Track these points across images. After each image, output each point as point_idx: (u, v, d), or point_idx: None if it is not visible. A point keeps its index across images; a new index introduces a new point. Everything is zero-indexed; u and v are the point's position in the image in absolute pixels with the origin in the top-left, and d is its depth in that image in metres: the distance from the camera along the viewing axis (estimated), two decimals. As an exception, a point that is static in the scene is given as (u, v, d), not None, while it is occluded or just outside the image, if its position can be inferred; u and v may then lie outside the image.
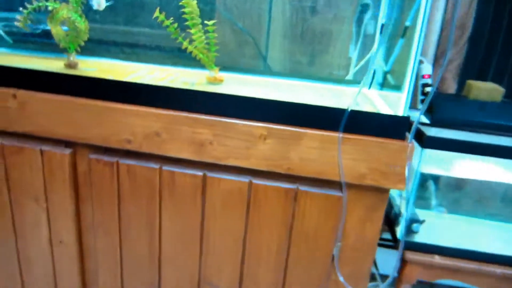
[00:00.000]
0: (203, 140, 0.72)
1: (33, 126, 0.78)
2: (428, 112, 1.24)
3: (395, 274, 1.15)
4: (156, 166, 0.76)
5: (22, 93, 0.76)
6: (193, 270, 0.84)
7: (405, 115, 0.69)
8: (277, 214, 0.75)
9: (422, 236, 1.08)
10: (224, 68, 0.91)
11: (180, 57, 1.02)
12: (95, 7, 0.85)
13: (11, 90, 0.76)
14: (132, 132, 0.74)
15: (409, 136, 0.67)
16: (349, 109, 0.67)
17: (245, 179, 0.74)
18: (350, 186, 0.72)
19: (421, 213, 1.15)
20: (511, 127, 0.97)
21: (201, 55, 0.86)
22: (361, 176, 0.70)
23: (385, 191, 0.72)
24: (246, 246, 0.80)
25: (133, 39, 1.04)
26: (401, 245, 0.68)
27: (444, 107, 1.18)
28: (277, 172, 0.72)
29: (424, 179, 1.18)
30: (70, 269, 0.91)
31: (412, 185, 1.01)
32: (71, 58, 0.88)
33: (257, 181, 0.74)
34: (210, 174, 0.75)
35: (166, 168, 0.76)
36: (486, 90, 0.99)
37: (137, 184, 0.78)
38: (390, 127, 0.68)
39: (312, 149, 0.70)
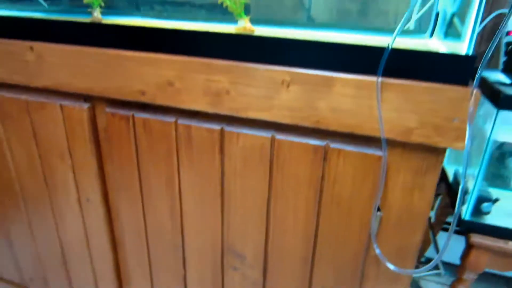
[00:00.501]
0: (219, 89, 0.63)
1: (52, 80, 0.75)
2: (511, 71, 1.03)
3: (442, 258, 0.98)
4: (171, 119, 0.69)
5: (38, 45, 0.73)
6: (216, 236, 0.77)
7: (470, 53, 0.53)
8: (304, 176, 0.65)
9: (494, 218, 0.90)
10: (259, 21, 0.81)
11: (213, 13, 0.94)
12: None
13: (28, 43, 0.73)
14: (145, 82, 0.68)
15: (475, 80, 0.51)
16: (390, 47, 0.53)
17: (267, 134, 0.64)
18: (394, 144, 0.59)
19: (496, 193, 0.96)
20: None
21: (227, 2, 0.76)
22: (407, 131, 0.56)
23: (440, 151, 0.57)
24: (271, 212, 0.70)
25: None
26: (453, 223, 0.54)
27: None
28: (304, 126, 0.61)
29: (502, 150, 0.98)
30: (98, 228, 0.89)
31: (483, 155, 0.84)
32: (95, 14, 0.84)
33: (280, 137, 0.63)
34: (228, 129, 0.66)
35: (181, 121, 0.69)
36: None
37: (154, 139, 0.72)
38: (447, 69, 0.53)
39: (346, 98, 0.57)
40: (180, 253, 0.82)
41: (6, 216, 1.01)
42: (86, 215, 0.88)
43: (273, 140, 0.64)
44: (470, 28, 0.52)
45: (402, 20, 0.53)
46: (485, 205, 0.88)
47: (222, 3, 0.74)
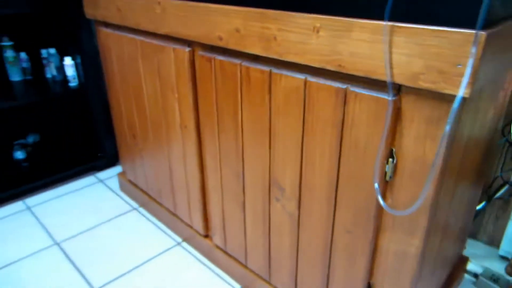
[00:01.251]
0: (269, 35, 0.76)
1: (169, 28, 1.00)
2: None
3: None
4: (238, 61, 0.86)
5: (164, 1, 0.99)
6: (265, 168, 0.91)
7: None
8: (329, 118, 0.72)
9: None
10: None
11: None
12: None
13: (157, -2, 1.00)
14: (222, 29, 0.85)
15: (478, 21, 0.50)
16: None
17: (301, 77, 0.74)
18: (407, 90, 0.61)
19: None
20: None
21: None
22: (414, 75, 0.58)
23: (449, 99, 0.57)
24: (304, 151, 0.80)
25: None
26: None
27: None
28: (329, 69, 0.69)
29: None
30: (192, 152, 1.14)
31: None
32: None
33: (311, 79, 0.72)
34: (274, 71, 0.78)
35: (244, 64, 0.84)
36: None
37: (226, 78, 0.90)
38: (453, 10, 0.53)
39: (362, 43, 0.62)
40: (241, 180, 0.99)
41: (141, 136, 1.37)
42: (184, 140, 1.14)
43: (306, 82, 0.73)
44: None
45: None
46: None
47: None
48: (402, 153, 0.65)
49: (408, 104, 0.62)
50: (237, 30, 0.82)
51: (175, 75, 1.06)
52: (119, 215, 1.56)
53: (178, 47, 1.01)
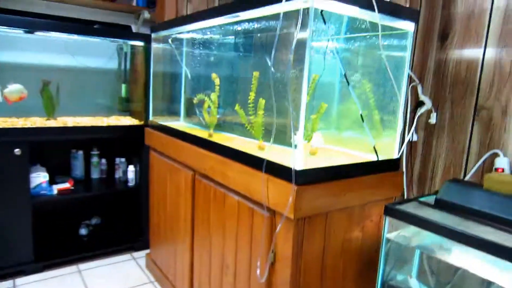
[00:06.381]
0: (223, 172, 1.35)
1: (183, 158, 1.65)
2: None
3: None
4: (211, 184, 1.45)
5: (182, 144, 1.66)
6: (221, 255, 1.41)
7: (298, 168, 1.06)
8: (247, 223, 1.25)
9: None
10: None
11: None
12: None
13: (175, 140, 1.68)
14: (206, 165, 1.47)
15: (293, 180, 1.04)
16: (266, 160, 1.13)
17: (236, 198, 1.30)
18: (276, 213, 1.13)
19: None
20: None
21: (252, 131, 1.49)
22: (276, 204, 1.11)
23: (288, 219, 1.08)
24: (237, 239, 1.31)
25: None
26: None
27: None
28: (246, 195, 1.24)
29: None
30: (186, 232, 1.68)
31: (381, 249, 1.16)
32: (210, 131, 1.73)
33: (240, 199, 1.28)
34: (227, 193, 1.36)
35: (214, 186, 1.43)
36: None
37: (206, 194, 1.49)
38: (285, 173, 1.08)
39: (257, 184, 1.18)
40: (208, 261, 1.50)
41: (163, 226, 1.95)
42: (183, 228, 1.70)
43: (238, 201, 1.29)
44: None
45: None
46: (400, 295, 1.14)
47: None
48: (277, 248, 1.14)
49: (278, 220, 1.13)
50: (212, 167, 1.43)
51: (184, 188, 1.68)
52: (139, 285, 2.08)
53: (187, 170, 1.65)
